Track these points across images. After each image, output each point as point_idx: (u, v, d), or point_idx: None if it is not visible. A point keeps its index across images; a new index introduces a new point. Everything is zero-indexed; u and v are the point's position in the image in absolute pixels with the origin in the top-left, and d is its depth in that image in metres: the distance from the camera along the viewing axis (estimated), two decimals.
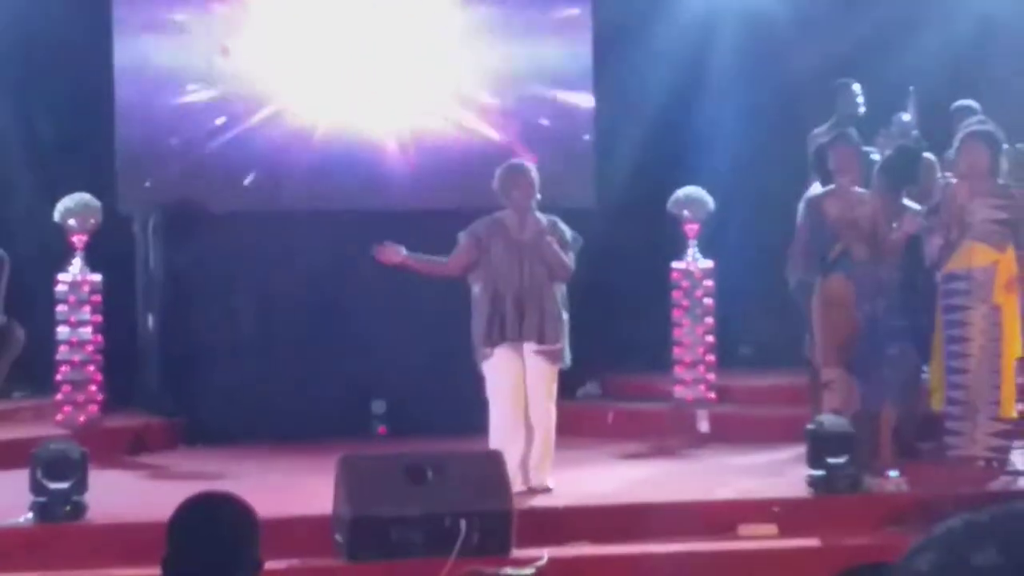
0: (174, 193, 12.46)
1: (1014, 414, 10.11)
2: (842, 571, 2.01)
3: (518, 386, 9.61)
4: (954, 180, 10.29)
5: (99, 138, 12.36)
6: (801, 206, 11.15)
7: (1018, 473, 9.95)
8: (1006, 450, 10.12)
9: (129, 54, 12.42)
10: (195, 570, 3.93)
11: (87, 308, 11.47)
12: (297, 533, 8.34)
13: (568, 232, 9.80)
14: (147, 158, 12.46)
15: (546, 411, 9.65)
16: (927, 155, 11.32)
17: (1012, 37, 13.57)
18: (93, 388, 11.49)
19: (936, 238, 10.17)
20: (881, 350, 10.18)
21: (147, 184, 12.48)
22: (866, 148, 11.02)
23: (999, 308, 10.09)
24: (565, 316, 9.72)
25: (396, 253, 9.78)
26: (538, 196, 9.76)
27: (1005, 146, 11.12)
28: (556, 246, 9.70)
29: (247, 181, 12.55)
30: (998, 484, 9.74)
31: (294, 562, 8.22)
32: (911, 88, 11.92)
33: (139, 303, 12.78)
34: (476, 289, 9.72)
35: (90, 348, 11.48)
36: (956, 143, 10.38)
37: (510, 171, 9.90)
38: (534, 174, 9.84)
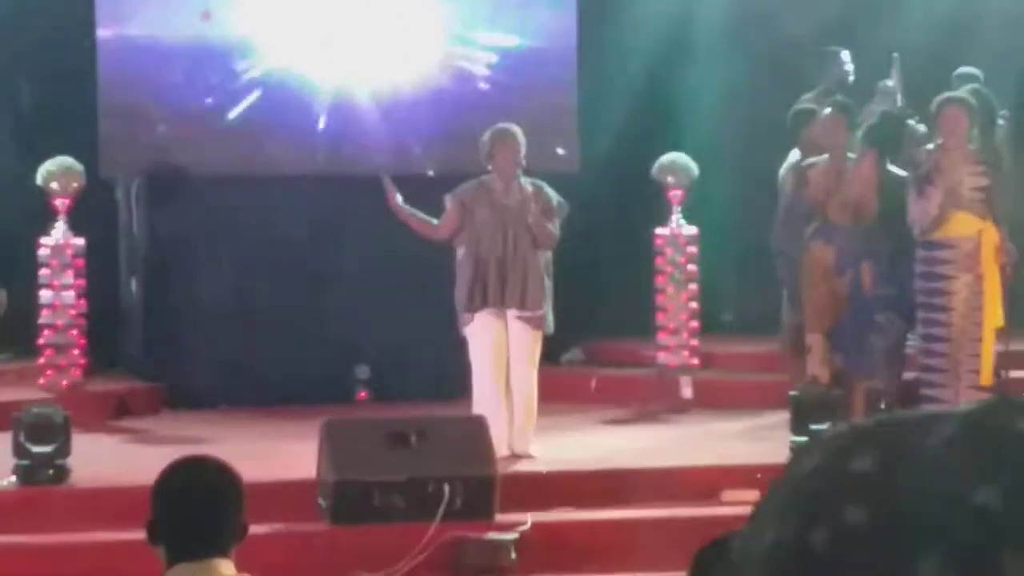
0: (157, 158, 12.41)
1: (990, 382, 10.12)
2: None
3: (500, 352, 9.61)
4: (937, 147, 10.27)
5: (82, 102, 12.30)
6: (783, 173, 11.14)
7: None
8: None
9: (111, 18, 12.35)
10: (180, 533, 3.93)
11: (70, 272, 11.43)
12: (280, 497, 8.34)
13: (554, 197, 9.78)
14: (129, 123, 12.39)
15: (528, 377, 9.66)
16: (911, 122, 11.29)
17: (1001, 3, 13.54)
18: (76, 352, 11.46)
19: (925, 205, 10.12)
20: (868, 318, 10.21)
21: (132, 152, 12.42)
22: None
23: (982, 277, 10.10)
24: (548, 282, 9.71)
25: (394, 194, 9.78)
26: (523, 162, 9.74)
27: (1003, 112, 11.11)
28: (540, 213, 9.66)
29: (230, 145, 12.50)
30: None
31: (278, 526, 8.23)
32: (894, 54, 11.89)
33: (122, 267, 12.75)
34: (459, 253, 9.71)
35: (73, 312, 11.44)
36: (933, 109, 10.34)
37: (496, 136, 9.86)
38: (521, 139, 9.81)
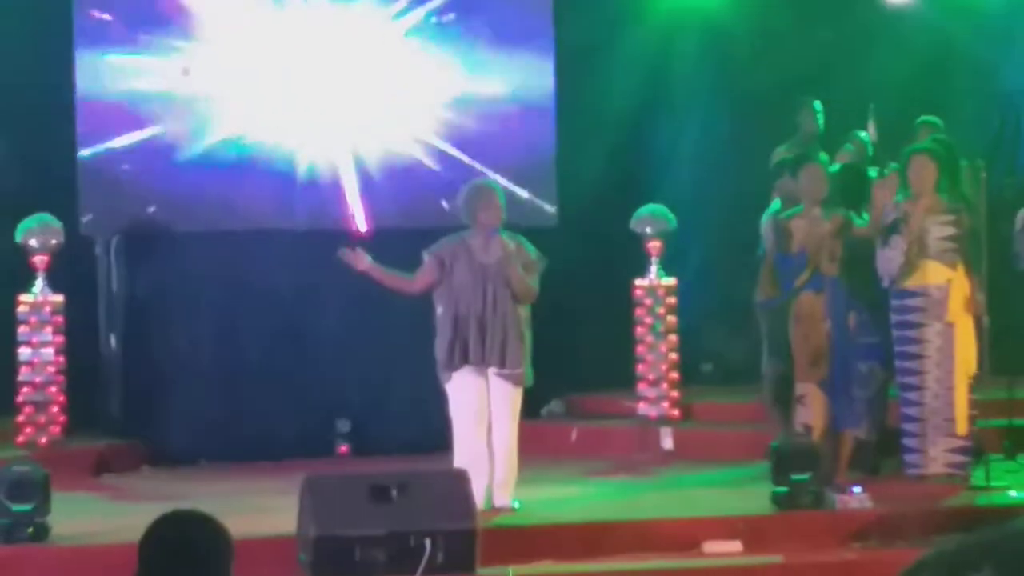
0: (136, 215, 12.41)
1: (965, 431, 10.13)
2: None
3: (481, 407, 9.59)
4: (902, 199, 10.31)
5: (61, 160, 12.30)
6: (764, 225, 11.17)
7: (980, 489, 9.97)
8: (965, 466, 10.14)
9: (90, 77, 12.37)
10: None
11: (49, 329, 11.43)
12: (261, 553, 8.31)
13: (533, 252, 9.78)
14: (108, 180, 12.39)
15: (509, 431, 9.64)
16: (875, 172, 11.30)
17: (970, 54, 13.65)
18: (55, 409, 11.44)
19: (890, 254, 10.17)
20: (853, 367, 10.24)
21: (111, 209, 12.42)
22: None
23: (952, 325, 10.14)
24: (528, 337, 9.70)
25: (362, 259, 9.72)
26: (504, 217, 9.72)
27: (964, 163, 11.19)
28: (521, 270, 9.63)
29: (206, 203, 12.50)
30: (960, 500, 9.77)
31: None
32: (871, 105, 11.96)
33: (101, 324, 12.74)
34: (439, 310, 9.69)
35: (52, 369, 11.43)
36: (902, 160, 10.41)
37: (477, 191, 9.83)
38: (501, 194, 9.81)
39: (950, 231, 10.18)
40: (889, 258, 10.17)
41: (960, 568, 1.34)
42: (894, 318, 10.24)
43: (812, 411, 10.11)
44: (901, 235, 10.12)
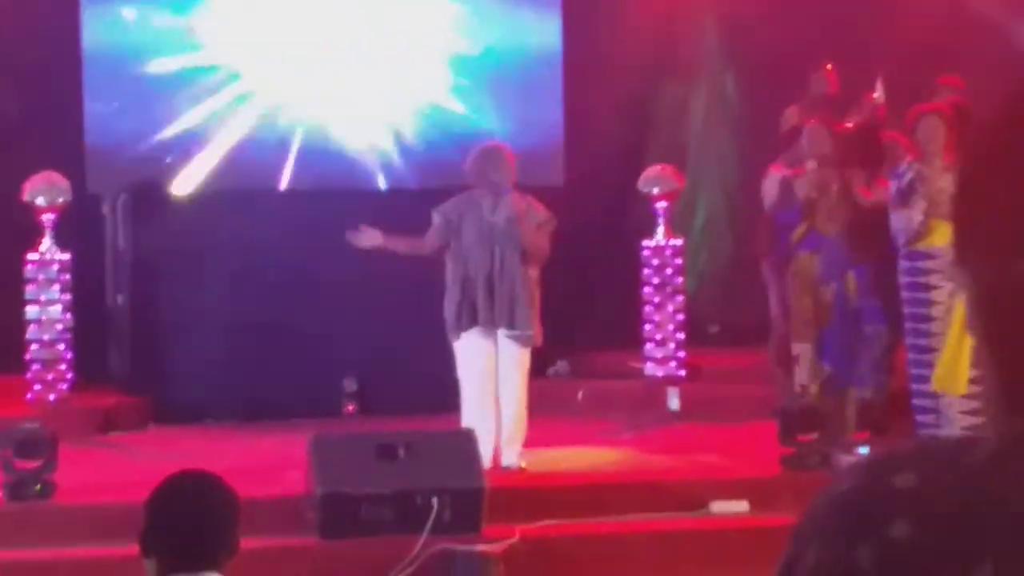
0: (143, 172, 12.41)
1: (964, 391, 10.11)
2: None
3: (489, 368, 9.59)
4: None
5: (68, 117, 12.29)
6: (767, 183, 11.16)
7: None
8: (981, 428, 10.14)
9: (98, 31, 12.35)
10: (175, 546, 3.92)
11: (56, 287, 11.42)
12: (269, 511, 8.32)
13: (542, 212, 9.75)
14: (116, 137, 12.39)
15: (517, 391, 9.64)
16: (891, 133, 11.29)
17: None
18: (63, 367, 11.45)
19: (907, 215, 10.15)
20: (855, 327, 10.24)
21: (118, 166, 12.42)
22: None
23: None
24: (537, 299, 9.68)
25: (374, 237, 9.70)
26: (515, 178, 9.67)
27: None
28: (533, 229, 9.60)
29: (214, 160, 12.49)
30: None
31: (267, 540, 8.21)
32: (880, 67, 11.91)
33: (108, 282, 12.73)
34: (449, 269, 9.68)
35: (59, 327, 11.43)
36: (912, 120, 10.38)
37: (487, 152, 9.79)
38: (511, 155, 9.77)
39: None
40: (908, 217, 10.11)
41: (886, 470, 1.39)
42: (906, 279, 10.21)
43: (804, 371, 10.15)
44: (918, 195, 10.07)
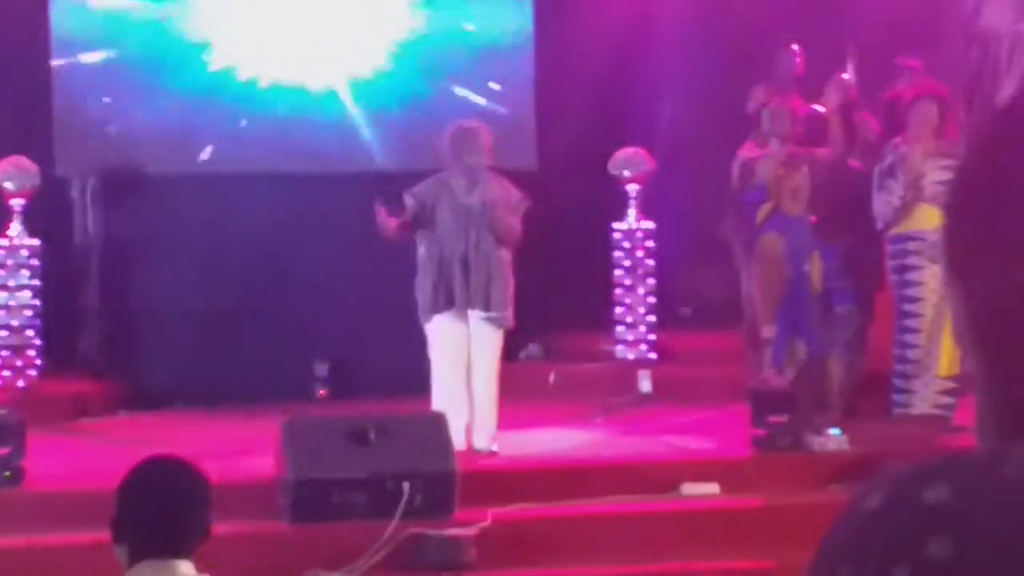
0: (112, 156, 12.36)
1: (947, 372, 10.16)
2: None
3: (462, 350, 9.57)
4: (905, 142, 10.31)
5: (37, 100, 12.22)
6: (735, 166, 11.18)
7: (960, 429, 10.00)
8: (952, 407, 10.18)
9: (66, 14, 12.28)
10: (146, 532, 3.90)
11: (25, 272, 11.38)
12: (240, 496, 8.29)
13: (515, 194, 9.72)
14: (84, 120, 12.33)
15: (490, 374, 9.63)
16: (862, 114, 11.30)
17: None
18: (32, 353, 11.41)
19: (885, 198, 10.17)
20: (825, 304, 10.27)
21: (86, 147, 12.37)
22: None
23: None
24: (511, 281, 9.66)
25: (391, 221, 9.60)
26: (490, 159, 9.62)
27: None
28: (506, 211, 9.57)
29: (185, 143, 12.45)
30: (942, 440, 9.79)
31: (237, 525, 8.18)
32: (850, 46, 11.90)
33: (78, 267, 12.68)
34: (421, 251, 9.65)
35: (28, 313, 11.39)
36: (906, 102, 10.41)
37: (461, 132, 9.72)
38: (487, 136, 9.70)
39: (946, 176, 10.18)
40: (885, 201, 10.16)
41: (915, 484, 1.33)
42: (891, 263, 10.28)
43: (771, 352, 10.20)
44: (895, 179, 10.11)
